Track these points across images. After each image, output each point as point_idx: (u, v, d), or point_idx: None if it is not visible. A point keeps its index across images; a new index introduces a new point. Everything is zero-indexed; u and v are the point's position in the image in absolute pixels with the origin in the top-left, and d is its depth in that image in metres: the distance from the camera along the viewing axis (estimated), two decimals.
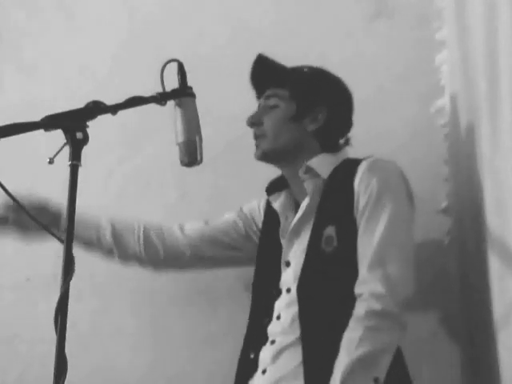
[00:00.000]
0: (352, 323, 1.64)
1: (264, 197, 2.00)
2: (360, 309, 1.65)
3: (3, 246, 2.48)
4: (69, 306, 1.31)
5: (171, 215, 2.38)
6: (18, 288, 2.42)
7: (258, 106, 1.95)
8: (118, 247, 2.04)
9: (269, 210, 1.98)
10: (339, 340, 1.64)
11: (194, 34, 2.48)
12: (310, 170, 1.85)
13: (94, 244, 2.04)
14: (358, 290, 1.68)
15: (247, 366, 1.82)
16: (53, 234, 1.41)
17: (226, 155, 2.33)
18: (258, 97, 1.96)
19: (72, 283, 1.32)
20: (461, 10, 1.97)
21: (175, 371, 2.28)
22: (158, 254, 2.05)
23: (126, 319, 2.34)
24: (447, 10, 2.14)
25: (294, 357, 1.72)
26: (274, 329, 1.79)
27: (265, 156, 1.90)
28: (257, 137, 1.91)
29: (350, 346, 1.61)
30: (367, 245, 1.71)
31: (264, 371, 1.77)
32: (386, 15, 2.34)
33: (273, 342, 1.78)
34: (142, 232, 2.06)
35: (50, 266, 2.22)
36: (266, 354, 1.78)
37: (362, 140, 1.98)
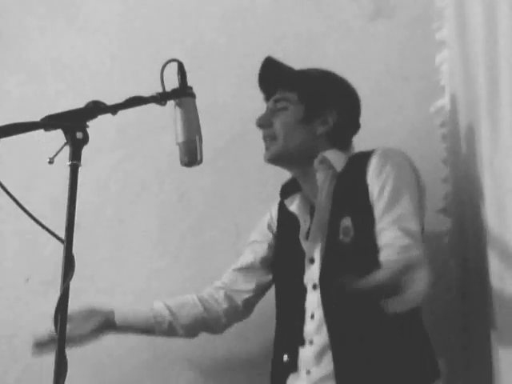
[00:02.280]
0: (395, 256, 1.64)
1: (268, 202, 2.01)
2: (394, 258, 1.63)
3: (3, 246, 2.48)
4: (69, 306, 1.32)
5: (171, 215, 2.38)
6: (17, 288, 2.42)
7: (267, 108, 1.95)
8: (180, 326, 2.02)
9: (283, 213, 1.99)
10: (367, 331, 1.69)
11: (193, 34, 2.48)
12: (324, 161, 1.86)
13: (153, 331, 2.03)
14: (383, 252, 1.67)
15: (282, 367, 1.84)
16: (53, 234, 1.41)
17: (226, 155, 2.33)
18: (266, 99, 1.97)
19: (72, 283, 1.32)
20: (461, 9, 1.97)
21: (175, 371, 2.28)
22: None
23: None
24: (447, 10, 2.14)
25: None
26: (309, 328, 1.80)
27: (275, 159, 1.91)
28: (266, 138, 1.92)
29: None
30: (387, 220, 1.71)
31: (308, 372, 1.78)
32: (386, 15, 2.34)
33: (311, 342, 1.79)
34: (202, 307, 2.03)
35: (50, 266, 2.22)
36: (307, 354, 1.79)
37: (361, 139, 1.98)
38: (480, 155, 1.82)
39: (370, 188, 1.77)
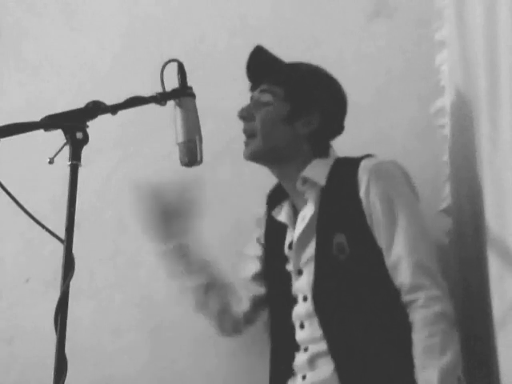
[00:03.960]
0: (424, 328, 1.67)
1: (259, 207, 2.03)
2: (424, 314, 1.67)
3: (3, 246, 2.48)
4: (69, 306, 1.32)
5: None
6: (17, 288, 2.42)
7: (251, 99, 1.93)
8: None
9: (269, 223, 1.99)
10: (368, 342, 1.70)
11: (194, 34, 2.48)
12: (306, 181, 1.84)
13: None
14: (410, 297, 1.70)
15: (280, 374, 1.85)
16: (53, 234, 1.41)
17: (226, 155, 2.33)
18: (252, 89, 1.94)
19: (72, 283, 1.32)
20: (461, 9, 1.97)
21: (175, 371, 2.28)
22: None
23: (126, 319, 2.34)
24: (447, 10, 2.13)
25: (330, 362, 1.75)
26: (302, 337, 1.81)
27: (254, 156, 1.89)
28: (246, 132, 1.89)
29: (434, 351, 1.64)
30: (401, 253, 1.72)
31: (304, 377, 1.79)
32: (386, 15, 2.33)
33: (306, 349, 1.80)
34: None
35: (50, 266, 2.22)
36: (301, 360, 1.80)
37: (361, 140, 1.98)
38: (480, 155, 1.82)
39: (366, 208, 1.76)
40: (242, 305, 2.04)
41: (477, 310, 1.89)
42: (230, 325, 2.05)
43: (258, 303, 2.03)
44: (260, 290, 2.01)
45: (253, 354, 2.18)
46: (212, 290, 2.02)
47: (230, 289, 2.05)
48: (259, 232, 2.04)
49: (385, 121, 2.26)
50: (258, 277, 2.02)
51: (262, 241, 2.02)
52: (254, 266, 2.02)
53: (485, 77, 1.74)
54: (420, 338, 1.67)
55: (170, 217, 1.99)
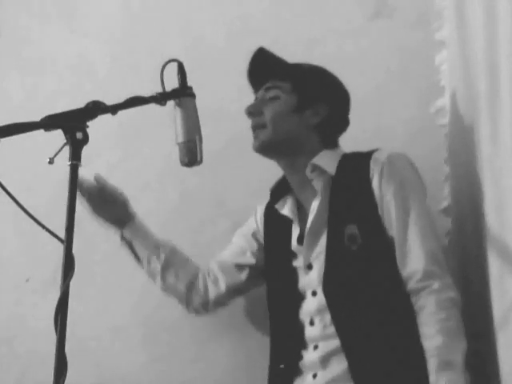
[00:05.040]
0: (441, 310, 1.69)
1: (259, 204, 2.03)
2: (440, 297, 1.70)
3: (3, 246, 2.48)
4: (69, 306, 1.32)
5: (171, 215, 2.38)
6: (17, 288, 2.42)
7: (256, 99, 1.94)
8: (163, 278, 2.05)
9: (270, 219, 1.98)
10: (380, 337, 1.69)
11: (193, 34, 2.48)
12: (316, 168, 1.85)
13: (141, 262, 2.06)
14: (423, 283, 1.71)
15: (284, 373, 1.82)
16: (53, 234, 1.41)
17: (226, 155, 2.33)
18: (255, 90, 1.95)
19: (72, 283, 1.32)
20: (461, 10, 1.97)
21: (175, 371, 2.28)
22: (198, 301, 2.08)
23: (126, 319, 2.34)
24: (447, 10, 2.13)
25: (344, 360, 1.73)
26: (312, 334, 1.79)
27: (264, 147, 1.88)
28: (255, 127, 1.89)
29: (454, 334, 1.68)
30: (414, 242, 1.74)
31: (315, 376, 1.77)
32: (386, 15, 2.34)
33: (316, 347, 1.78)
34: (191, 278, 2.06)
35: (50, 266, 2.22)
36: (311, 358, 1.78)
37: (361, 139, 1.98)
38: (480, 155, 1.82)
39: (379, 198, 1.77)
40: (217, 286, 2.05)
41: (477, 309, 1.89)
42: (198, 303, 2.07)
43: (233, 290, 2.05)
44: (240, 278, 2.03)
45: (253, 353, 2.18)
46: (171, 269, 2.04)
47: (194, 266, 2.08)
48: (254, 227, 2.04)
49: (385, 120, 2.26)
50: (244, 268, 2.03)
51: (259, 237, 2.02)
52: (241, 258, 2.03)
53: (485, 77, 1.74)
54: (437, 319, 1.67)
55: (110, 203, 2.04)
